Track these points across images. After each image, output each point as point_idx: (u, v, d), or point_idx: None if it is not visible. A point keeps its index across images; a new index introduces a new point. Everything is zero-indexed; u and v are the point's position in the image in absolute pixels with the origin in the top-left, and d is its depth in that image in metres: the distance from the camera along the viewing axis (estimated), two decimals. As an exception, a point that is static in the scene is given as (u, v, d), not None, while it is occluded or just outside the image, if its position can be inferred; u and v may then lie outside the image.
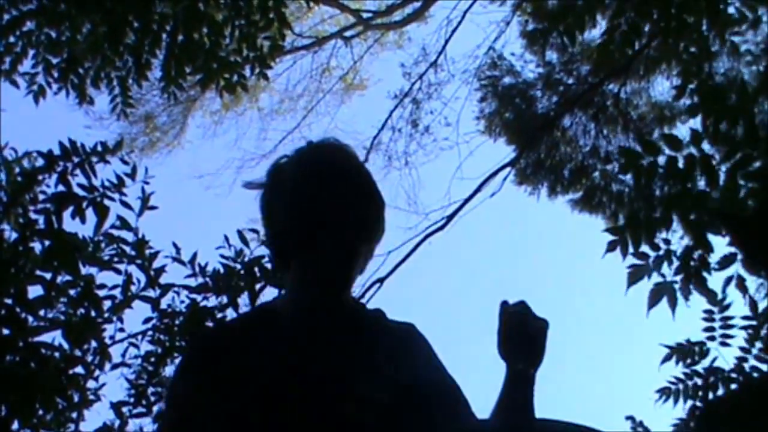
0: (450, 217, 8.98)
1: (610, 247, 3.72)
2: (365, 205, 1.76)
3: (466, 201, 8.95)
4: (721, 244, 3.77)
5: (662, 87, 9.22)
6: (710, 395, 4.70)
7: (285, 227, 1.77)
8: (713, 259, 3.75)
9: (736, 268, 3.75)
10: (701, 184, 3.64)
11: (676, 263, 3.73)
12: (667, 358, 4.78)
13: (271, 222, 1.82)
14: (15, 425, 3.50)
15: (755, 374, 4.72)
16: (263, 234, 1.90)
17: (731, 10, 5.04)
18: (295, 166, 1.82)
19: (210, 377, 1.69)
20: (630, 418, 5.14)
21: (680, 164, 3.58)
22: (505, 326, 1.87)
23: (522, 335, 1.84)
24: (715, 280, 3.80)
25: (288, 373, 1.66)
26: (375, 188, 1.80)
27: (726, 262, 3.73)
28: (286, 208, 1.77)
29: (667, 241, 3.75)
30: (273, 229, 1.82)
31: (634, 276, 3.72)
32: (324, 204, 1.74)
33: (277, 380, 1.65)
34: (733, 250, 3.70)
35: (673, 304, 3.68)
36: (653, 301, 3.68)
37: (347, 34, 13.15)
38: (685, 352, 4.77)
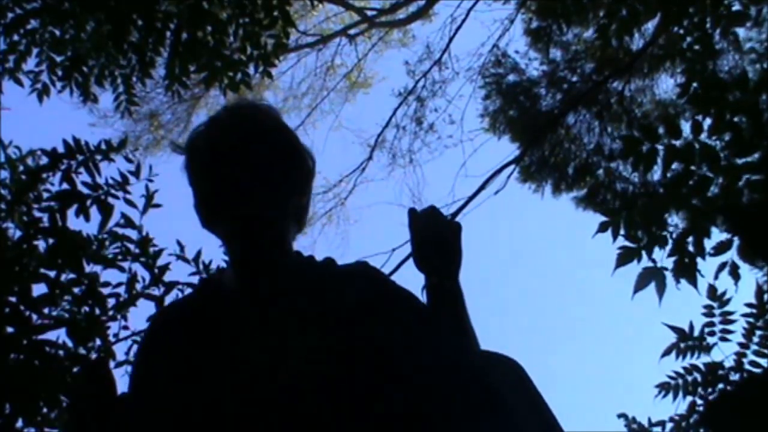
0: (454, 215, 8.97)
1: (602, 227, 3.72)
2: (240, 174, 1.65)
3: (471, 198, 8.93)
4: (715, 231, 3.78)
5: (666, 85, 9.22)
6: (709, 391, 4.71)
7: (193, 202, 1.71)
8: (707, 245, 3.74)
9: (731, 255, 3.75)
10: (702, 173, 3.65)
11: (668, 249, 3.72)
12: (667, 352, 4.78)
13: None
14: (19, 423, 3.51)
15: (754, 369, 4.73)
16: None
17: (736, 7, 5.04)
18: (192, 138, 1.75)
19: (159, 356, 1.67)
20: (622, 415, 5.14)
21: (681, 149, 3.58)
22: (416, 233, 1.81)
23: (436, 240, 1.77)
24: (707, 269, 3.80)
25: (226, 349, 1.59)
26: (260, 151, 1.67)
27: (721, 248, 3.73)
28: (189, 183, 1.73)
29: (661, 226, 3.74)
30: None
31: (624, 258, 3.71)
32: (201, 181, 1.68)
33: (215, 356, 1.59)
34: (728, 236, 3.70)
35: (661, 290, 3.66)
36: (641, 284, 3.66)
37: (352, 32, 13.16)
38: (687, 347, 4.77)
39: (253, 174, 1.66)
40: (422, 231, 1.80)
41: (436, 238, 1.78)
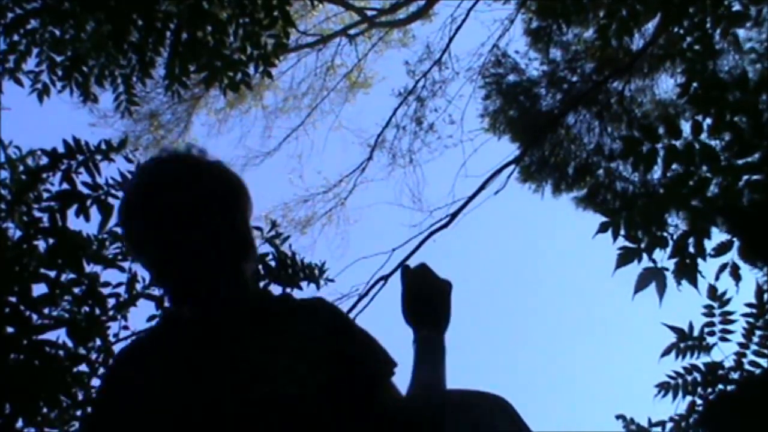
0: (454, 215, 8.97)
1: (602, 228, 3.71)
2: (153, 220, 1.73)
3: (471, 198, 8.93)
4: (716, 231, 3.78)
5: (666, 85, 9.22)
6: (709, 390, 4.71)
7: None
8: (708, 246, 3.74)
9: (731, 256, 3.74)
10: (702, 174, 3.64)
11: (669, 250, 3.72)
12: (666, 352, 4.78)
13: None
14: (19, 423, 3.51)
15: (754, 370, 4.73)
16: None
17: (736, 7, 5.04)
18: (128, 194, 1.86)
19: (121, 391, 1.69)
20: (621, 416, 5.14)
21: (681, 150, 3.58)
22: (407, 289, 1.87)
23: (425, 296, 1.83)
24: (708, 269, 3.80)
25: (190, 378, 1.64)
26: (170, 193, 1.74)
27: (722, 249, 3.73)
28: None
29: (661, 226, 3.74)
30: None
31: (624, 259, 3.71)
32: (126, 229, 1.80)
33: (180, 387, 1.63)
34: (729, 237, 3.70)
35: (661, 290, 3.65)
36: (641, 285, 3.66)
37: (352, 32, 13.16)
38: (687, 346, 4.77)
39: (194, 218, 1.72)
40: (414, 288, 1.87)
41: (426, 295, 1.85)
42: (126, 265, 4.03)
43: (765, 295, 4.75)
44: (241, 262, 1.77)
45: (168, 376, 1.65)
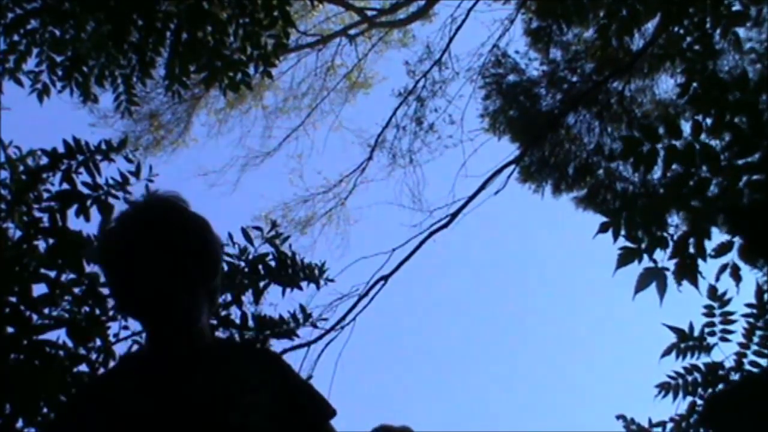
0: (454, 215, 8.97)
1: (602, 228, 3.71)
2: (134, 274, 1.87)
3: (471, 198, 8.92)
4: (716, 232, 3.78)
5: (666, 85, 9.22)
6: (709, 391, 4.70)
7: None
8: (708, 246, 3.74)
9: (732, 256, 3.74)
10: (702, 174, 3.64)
11: (669, 250, 3.71)
12: (667, 352, 4.78)
13: None
14: (20, 423, 3.50)
15: (754, 369, 4.72)
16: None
17: (736, 7, 5.04)
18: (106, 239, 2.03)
19: (78, 425, 1.82)
20: (621, 416, 5.13)
21: (681, 150, 3.58)
22: None
23: None
24: (708, 269, 3.79)
25: (151, 413, 1.77)
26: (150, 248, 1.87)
27: (722, 249, 3.72)
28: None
29: (662, 226, 3.74)
30: None
31: (624, 259, 3.71)
32: (118, 277, 1.92)
33: (140, 421, 1.76)
34: (729, 237, 3.70)
35: (662, 290, 3.65)
36: (641, 285, 3.65)
37: (352, 32, 13.16)
38: (687, 347, 4.76)
39: (167, 269, 1.86)
40: None
41: None
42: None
43: (765, 296, 4.75)
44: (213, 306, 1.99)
45: (134, 400, 1.79)
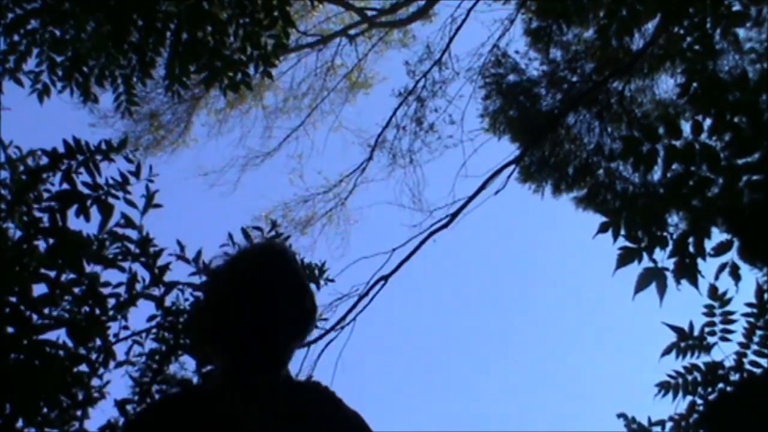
0: (454, 215, 8.98)
1: (602, 228, 3.71)
2: (257, 311, 2.01)
3: (471, 198, 8.94)
4: (716, 231, 3.78)
5: (666, 85, 9.22)
6: (709, 390, 4.70)
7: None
8: (708, 246, 3.73)
9: (731, 256, 3.74)
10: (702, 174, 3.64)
11: (669, 250, 3.71)
12: (667, 352, 4.77)
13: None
14: (20, 423, 3.50)
15: (754, 369, 4.72)
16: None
17: (736, 7, 5.04)
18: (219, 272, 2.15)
19: None
20: (622, 415, 5.13)
21: (681, 150, 3.58)
22: None
23: None
24: (708, 269, 3.79)
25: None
26: (271, 292, 2.03)
27: (722, 249, 3.72)
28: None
29: (662, 226, 3.73)
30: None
31: (624, 259, 3.71)
32: (220, 308, 2.05)
33: None
34: (729, 237, 3.70)
35: (661, 290, 3.65)
36: (641, 285, 3.66)
37: (352, 32, 13.17)
38: (687, 346, 4.76)
39: (279, 312, 2.03)
40: None
41: None
42: (126, 265, 4.03)
43: (765, 295, 4.75)
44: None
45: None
